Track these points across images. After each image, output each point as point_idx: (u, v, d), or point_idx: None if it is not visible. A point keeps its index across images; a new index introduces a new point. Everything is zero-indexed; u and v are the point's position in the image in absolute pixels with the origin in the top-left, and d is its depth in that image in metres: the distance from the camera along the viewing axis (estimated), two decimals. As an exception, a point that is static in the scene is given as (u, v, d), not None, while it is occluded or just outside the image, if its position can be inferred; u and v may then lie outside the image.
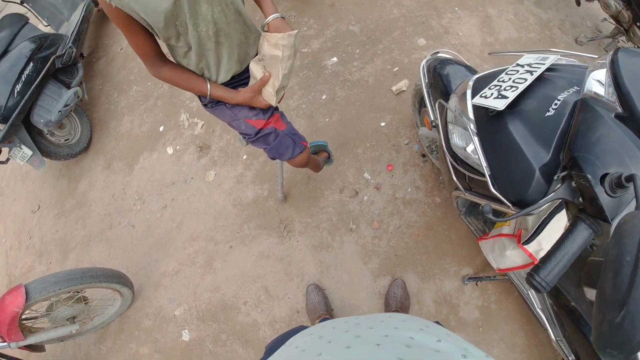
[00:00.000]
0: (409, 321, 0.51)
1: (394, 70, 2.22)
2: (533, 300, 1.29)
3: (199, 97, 1.20)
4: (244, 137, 1.29)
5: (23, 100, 2.02)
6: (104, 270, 1.66)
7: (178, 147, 2.35)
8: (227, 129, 2.32)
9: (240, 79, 1.17)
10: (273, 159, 1.32)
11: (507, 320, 1.62)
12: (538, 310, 1.27)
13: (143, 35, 0.90)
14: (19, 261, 2.39)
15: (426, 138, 1.83)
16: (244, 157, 2.20)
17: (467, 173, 1.11)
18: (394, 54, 2.28)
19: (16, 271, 2.38)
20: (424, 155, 1.97)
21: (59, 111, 2.14)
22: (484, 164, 0.98)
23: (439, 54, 1.53)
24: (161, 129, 2.44)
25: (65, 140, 2.41)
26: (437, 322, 0.61)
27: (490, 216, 0.72)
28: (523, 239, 1.13)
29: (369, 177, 1.97)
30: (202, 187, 2.18)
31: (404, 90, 2.13)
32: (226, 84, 1.14)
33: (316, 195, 1.99)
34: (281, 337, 0.66)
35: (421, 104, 1.78)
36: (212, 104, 1.20)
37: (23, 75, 2.04)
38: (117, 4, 0.80)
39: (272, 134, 1.23)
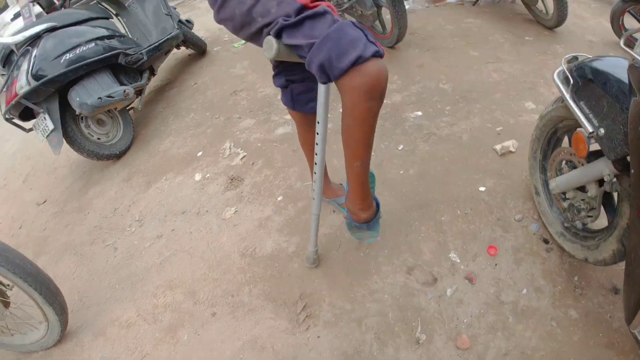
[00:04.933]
0: None
1: (497, 129, 1.69)
2: None
3: None
4: (275, 26, 0.77)
5: (65, 69, 1.86)
6: (25, 262, 1.16)
7: (208, 175, 1.93)
8: (270, 163, 1.87)
9: None
10: (322, 69, 0.73)
11: None
12: None
13: None
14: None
15: (556, 205, 1.15)
16: (279, 198, 1.68)
17: None
18: (495, 114, 1.79)
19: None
20: (546, 242, 1.24)
21: (99, 97, 1.92)
22: None
23: (578, 58, 1.05)
24: (199, 154, 2.10)
25: (97, 139, 2.16)
26: None
27: None
28: None
29: (457, 260, 1.27)
30: (213, 224, 1.64)
31: (511, 152, 1.54)
32: None
33: (368, 269, 1.31)
34: None
35: (549, 146, 1.20)
36: None
37: (79, 49, 1.92)
38: None
39: (327, 16, 0.74)
